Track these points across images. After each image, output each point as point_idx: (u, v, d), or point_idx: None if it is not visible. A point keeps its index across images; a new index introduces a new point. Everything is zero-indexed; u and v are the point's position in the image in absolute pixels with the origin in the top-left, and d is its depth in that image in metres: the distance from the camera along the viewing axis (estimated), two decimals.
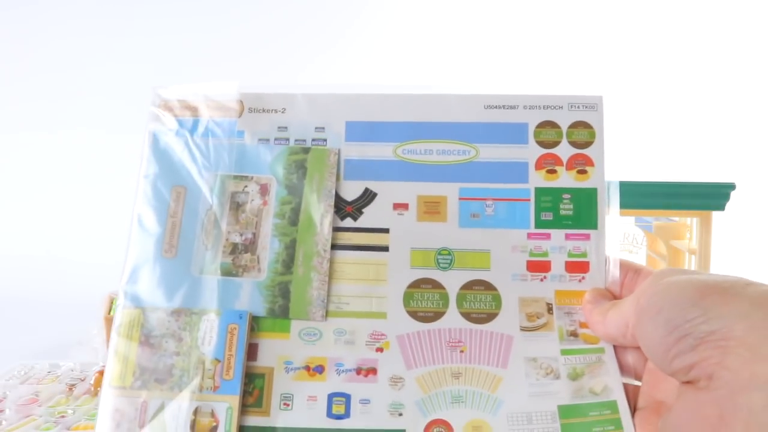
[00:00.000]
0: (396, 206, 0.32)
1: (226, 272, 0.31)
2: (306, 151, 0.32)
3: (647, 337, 0.25)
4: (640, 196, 0.66)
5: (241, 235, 0.32)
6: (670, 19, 1.28)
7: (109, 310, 0.67)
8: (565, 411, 0.29)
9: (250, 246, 0.32)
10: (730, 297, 0.22)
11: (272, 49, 1.37)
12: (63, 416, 0.48)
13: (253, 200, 0.32)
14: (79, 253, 1.15)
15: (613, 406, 0.29)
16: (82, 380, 0.57)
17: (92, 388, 0.56)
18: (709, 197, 0.65)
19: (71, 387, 0.55)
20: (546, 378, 0.29)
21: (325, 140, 0.33)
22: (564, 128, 0.33)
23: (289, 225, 0.32)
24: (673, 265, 0.72)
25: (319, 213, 0.32)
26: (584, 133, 0.33)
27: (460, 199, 0.32)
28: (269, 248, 0.32)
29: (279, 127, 0.33)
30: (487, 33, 1.29)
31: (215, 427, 0.29)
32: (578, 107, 0.33)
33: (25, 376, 0.58)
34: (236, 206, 0.32)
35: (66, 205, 1.33)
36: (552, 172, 0.32)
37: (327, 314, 0.31)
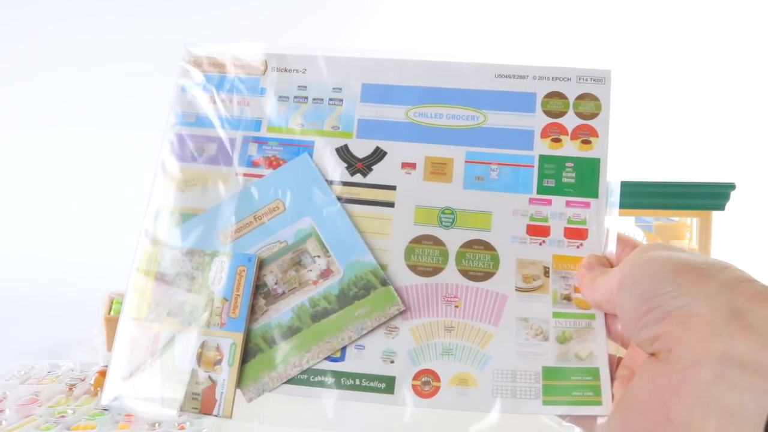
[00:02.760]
0: (404, 165, 0.33)
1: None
2: (384, 283, 0.31)
3: (622, 305, 0.26)
4: (640, 196, 0.65)
5: (276, 284, 0.31)
6: (670, 20, 1.28)
7: (109, 310, 0.67)
8: (548, 372, 0.29)
9: (271, 299, 0.31)
10: (704, 277, 0.23)
11: (292, 16, 1.36)
12: (63, 416, 0.46)
13: (310, 271, 0.31)
14: (78, 253, 1.15)
15: (595, 373, 0.28)
16: (82, 380, 0.56)
17: (92, 388, 0.55)
18: (709, 197, 0.64)
19: (71, 387, 0.54)
20: (535, 339, 0.29)
21: (342, 100, 0.34)
22: (571, 99, 0.33)
23: (310, 317, 0.31)
24: None
25: (338, 337, 0.30)
26: (591, 105, 0.33)
27: (466, 162, 0.32)
28: (278, 315, 0.31)
29: (299, 86, 0.34)
30: (506, 5, 1.29)
31: (219, 360, 0.30)
32: (586, 80, 0.33)
33: (25, 376, 0.57)
34: (297, 261, 0.32)
35: (65, 205, 1.32)
36: (557, 140, 0.32)
37: None
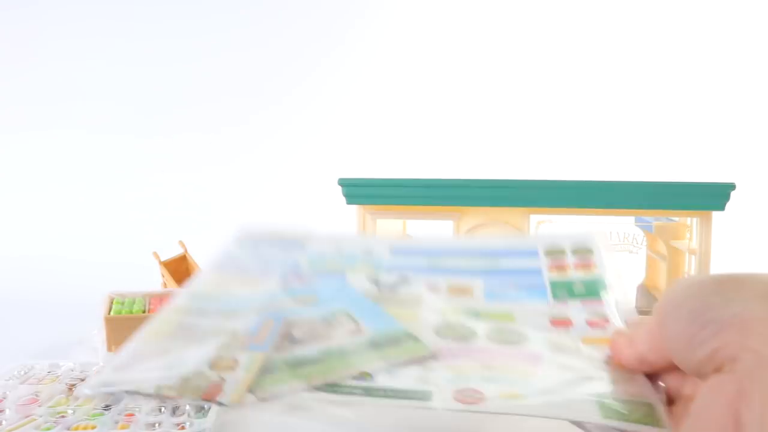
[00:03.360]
0: (427, 287, 0.37)
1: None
2: (414, 339, 0.31)
3: (670, 331, 0.25)
4: (640, 196, 0.66)
5: (302, 335, 0.31)
6: (670, 19, 1.28)
7: (109, 310, 0.67)
8: (601, 397, 0.26)
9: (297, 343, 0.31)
10: (746, 283, 0.23)
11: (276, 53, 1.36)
12: (63, 416, 0.45)
13: (339, 330, 0.32)
14: (78, 253, 1.15)
15: (648, 405, 0.26)
16: (82, 380, 0.56)
17: None
18: (709, 197, 0.64)
19: (71, 387, 0.54)
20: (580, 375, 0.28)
21: (371, 255, 0.41)
22: (568, 251, 0.40)
23: (338, 353, 0.30)
24: (673, 265, 0.72)
25: (368, 366, 0.29)
26: (585, 251, 0.39)
27: (485, 287, 0.37)
28: (303, 351, 0.30)
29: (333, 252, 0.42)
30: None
31: (233, 367, 0.28)
32: (578, 252, 0.39)
33: (25, 376, 0.57)
34: (327, 324, 0.32)
35: (65, 205, 1.32)
36: (562, 269, 0.38)
37: None
